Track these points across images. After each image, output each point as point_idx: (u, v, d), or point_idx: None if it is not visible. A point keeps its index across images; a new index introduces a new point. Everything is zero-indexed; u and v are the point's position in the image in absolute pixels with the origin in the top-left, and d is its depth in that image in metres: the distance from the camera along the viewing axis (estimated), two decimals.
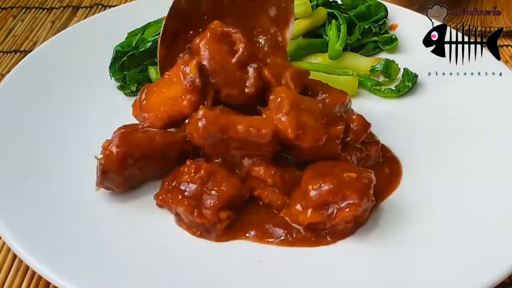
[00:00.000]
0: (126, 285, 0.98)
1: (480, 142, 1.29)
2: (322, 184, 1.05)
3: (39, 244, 1.01)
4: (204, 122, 1.07)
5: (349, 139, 1.19)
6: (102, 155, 1.10)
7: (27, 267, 1.10)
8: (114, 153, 1.09)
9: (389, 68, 1.50)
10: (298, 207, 1.09)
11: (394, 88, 1.47)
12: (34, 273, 1.09)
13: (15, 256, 1.12)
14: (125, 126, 1.16)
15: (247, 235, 1.09)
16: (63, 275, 0.96)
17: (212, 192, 1.09)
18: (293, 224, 1.10)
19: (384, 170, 1.23)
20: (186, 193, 1.10)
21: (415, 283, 1.00)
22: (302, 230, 1.09)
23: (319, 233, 1.08)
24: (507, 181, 1.18)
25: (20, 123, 1.28)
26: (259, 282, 1.00)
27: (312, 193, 1.05)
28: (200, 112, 1.08)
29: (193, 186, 1.10)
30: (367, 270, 1.02)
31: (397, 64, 1.50)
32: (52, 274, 0.96)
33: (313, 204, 1.05)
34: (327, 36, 1.56)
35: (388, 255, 1.05)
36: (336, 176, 1.06)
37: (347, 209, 1.03)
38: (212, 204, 1.08)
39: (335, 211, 1.04)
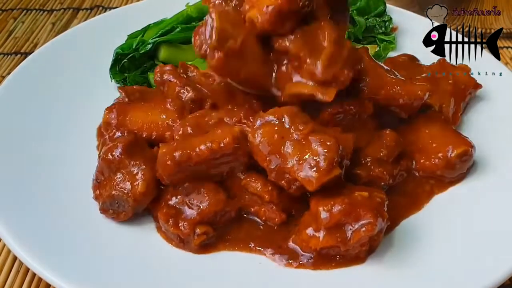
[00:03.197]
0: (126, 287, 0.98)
1: (479, 143, 1.28)
2: (333, 205, 0.98)
3: (40, 246, 1.01)
4: (162, 166, 1.04)
5: (381, 154, 1.13)
6: (127, 194, 1.06)
7: (27, 269, 1.10)
8: (146, 201, 1.08)
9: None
10: (309, 231, 1.01)
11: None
12: (34, 275, 1.09)
13: (15, 258, 1.12)
14: (128, 141, 1.11)
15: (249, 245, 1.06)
16: (63, 276, 0.96)
17: (194, 204, 1.06)
18: (304, 253, 1.03)
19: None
20: (169, 202, 1.07)
21: (416, 282, 1.00)
22: (312, 259, 1.02)
23: (329, 262, 1.01)
24: (507, 181, 1.18)
25: (21, 125, 1.28)
26: (259, 283, 1.00)
27: (323, 214, 0.98)
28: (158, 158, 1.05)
29: (176, 196, 1.07)
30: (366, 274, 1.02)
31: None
32: (52, 276, 0.96)
33: (325, 226, 0.98)
34: None
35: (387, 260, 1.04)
36: (347, 195, 1.00)
37: (362, 229, 0.96)
38: (190, 217, 1.04)
39: (349, 232, 0.98)
